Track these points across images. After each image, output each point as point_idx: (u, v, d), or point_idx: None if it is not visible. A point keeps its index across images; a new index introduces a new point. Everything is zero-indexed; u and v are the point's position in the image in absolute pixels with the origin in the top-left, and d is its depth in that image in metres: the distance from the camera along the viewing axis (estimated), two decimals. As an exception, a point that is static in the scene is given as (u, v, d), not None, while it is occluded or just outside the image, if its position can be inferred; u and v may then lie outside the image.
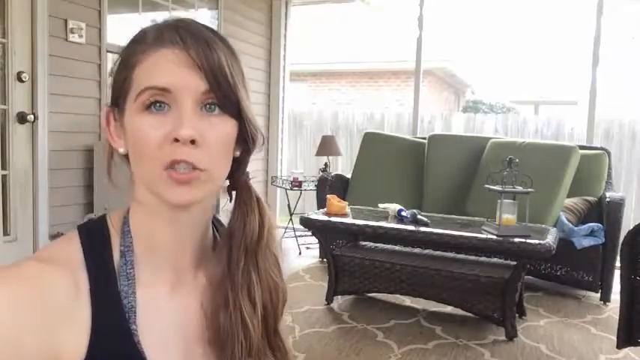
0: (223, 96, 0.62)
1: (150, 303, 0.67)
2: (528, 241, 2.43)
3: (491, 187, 2.62)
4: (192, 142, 0.60)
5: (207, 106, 0.62)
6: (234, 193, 0.74)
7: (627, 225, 2.80)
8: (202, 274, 0.72)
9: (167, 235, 0.67)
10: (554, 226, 3.12)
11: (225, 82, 0.62)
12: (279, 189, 5.10)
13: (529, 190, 2.56)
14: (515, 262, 2.62)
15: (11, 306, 0.56)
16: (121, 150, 0.69)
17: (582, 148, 3.53)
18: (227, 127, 0.64)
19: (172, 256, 0.69)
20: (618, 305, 2.00)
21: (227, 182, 0.73)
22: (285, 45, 5.28)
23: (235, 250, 0.70)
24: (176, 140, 0.60)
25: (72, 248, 0.65)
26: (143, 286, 0.66)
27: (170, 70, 0.61)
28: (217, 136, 0.63)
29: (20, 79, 2.95)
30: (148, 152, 0.62)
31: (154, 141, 0.61)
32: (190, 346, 0.70)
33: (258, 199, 0.73)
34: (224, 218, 0.77)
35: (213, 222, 0.75)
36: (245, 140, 0.68)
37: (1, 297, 0.56)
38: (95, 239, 0.67)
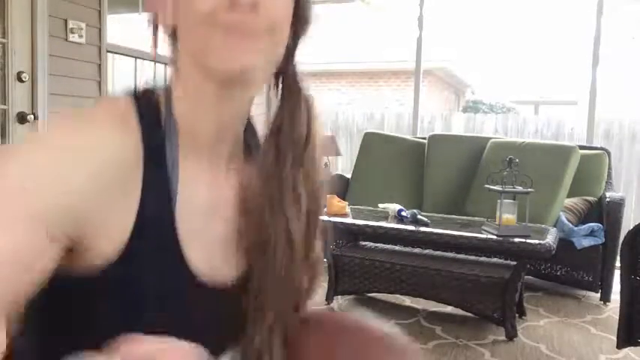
0: None
1: (191, 193, 0.63)
2: (528, 241, 2.43)
3: (491, 187, 2.62)
4: (254, 6, 0.55)
5: None
6: (281, 86, 0.70)
7: (627, 225, 2.80)
8: (235, 171, 0.69)
9: (210, 124, 0.64)
10: (554, 226, 3.11)
11: None
12: (279, 189, 5.10)
13: (529, 190, 2.56)
14: (515, 262, 2.62)
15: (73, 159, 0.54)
16: (168, 21, 0.62)
17: (582, 148, 3.53)
18: None
19: (212, 148, 0.66)
20: (618, 305, 2.00)
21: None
22: (285, 45, 5.27)
23: (283, 146, 0.67)
24: (233, 6, 0.55)
25: (131, 122, 0.60)
26: (185, 175, 0.62)
27: None
28: (279, 3, 0.58)
29: (20, 79, 2.95)
30: (200, 16, 0.56)
31: (208, 3, 0.55)
32: (228, 246, 0.67)
33: (307, 97, 0.70)
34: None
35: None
36: (296, 22, 0.63)
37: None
38: (150, 116, 0.62)
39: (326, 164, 4.69)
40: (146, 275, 0.60)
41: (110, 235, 0.57)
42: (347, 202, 3.11)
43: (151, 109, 0.63)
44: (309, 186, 0.69)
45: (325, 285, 3.02)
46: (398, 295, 3.00)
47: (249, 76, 0.60)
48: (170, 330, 0.51)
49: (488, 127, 5.02)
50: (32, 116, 3.00)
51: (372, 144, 4.07)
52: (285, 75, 0.70)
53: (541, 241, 2.41)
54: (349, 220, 2.93)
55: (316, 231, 0.74)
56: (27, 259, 0.51)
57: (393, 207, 2.96)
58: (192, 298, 0.64)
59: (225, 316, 0.67)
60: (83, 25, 3.28)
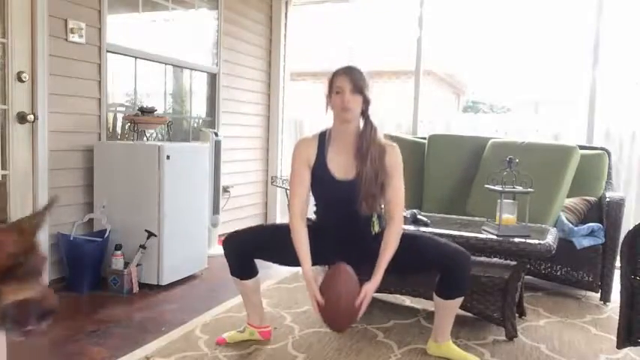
0: (357, 90, 2.15)
1: (331, 153, 2.24)
2: (528, 241, 2.43)
3: (491, 187, 2.62)
4: (348, 108, 2.15)
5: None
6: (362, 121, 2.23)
7: (627, 225, 2.80)
8: (353, 146, 2.22)
9: (340, 134, 2.23)
10: (554, 226, 3.11)
11: (359, 85, 2.16)
12: (279, 189, 5.10)
13: (529, 190, 2.56)
14: (515, 262, 2.62)
15: (298, 148, 2.29)
16: (329, 108, 2.22)
17: (582, 148, 3.53)
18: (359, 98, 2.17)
19: (342, 142, 2.23)
20: (618, 305, 2.00)
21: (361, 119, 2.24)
22: (285, 45, 5.28)
23: (365, 140, 2.18)
24: (343, 109, 2.16)
25: (312, 136, 2.31)
26: (331, 149, 2.25)
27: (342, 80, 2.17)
28: (356, 104, 2.16)
29: (20, 79, 2.95)
30: (336, 108, 2.18)
31: (337, 106, 2.17)
32: (348, 166, 2.20)
33: (372, 123, 2.23)
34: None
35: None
36: (364, 102, 2.19)
37: (297, 145, 2.31)
38: (322, 134, 2.29)
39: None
40: (317, 172, 2.24)
41: (312, 165, 2.25)
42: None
43: (323, 134, 2.29)
44: (375, 155, 2.18)
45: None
46: (398, 295, 3.00)
47: (350, 120, 2.19)
48: (327, 197, 2.27)
49: (489, 127, 5.01)
50: (32, 116, 3.00)
51: (372, 144, 4.06)
52: (364, 116, 2.23)
53: (541, 241, 2.41)
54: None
55: (379, 176, 2.19)
56: (305, 176, 2.25)
57: (393, 207, 2.95)
58: (334, 185, 2.22)
59: (349, 194, 2.16)
60: (83, 25, 3.28)
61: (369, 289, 2.10)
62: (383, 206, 2.26)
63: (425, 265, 2.27)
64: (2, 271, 0.94)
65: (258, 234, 2.41)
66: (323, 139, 2.26)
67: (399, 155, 2.25)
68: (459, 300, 2.25)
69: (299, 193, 2.25)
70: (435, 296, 2.28)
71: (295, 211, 2.22)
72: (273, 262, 2.46)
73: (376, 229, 2.28)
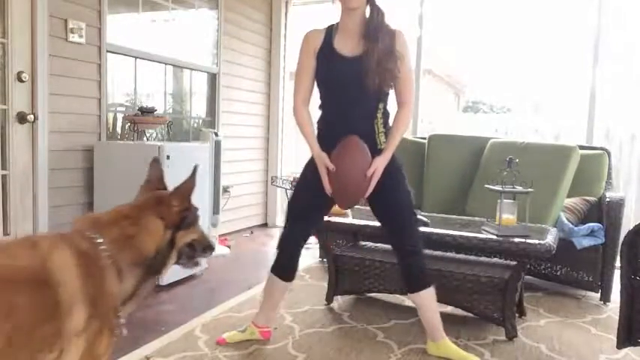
0: None
1: (339, 37, 2.23)
2: (528, 241, 2.43)
3: (491, 187, 2.62)
4: None
5: None
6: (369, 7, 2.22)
7: (627, 225, 2.80)
8: (359, 29, 2.21)
9: (346, 23, 2.22)
10: (554, 226, 3.11)
11: None
12: (279, 189, 5.10)
13: (529, 190, 2.56)
14: (515, 262, 2.62)
15: (305, 38, 2.31)
16: None
17: (582, 148, 3.53)
18: None
19: (348, 28, 2.22)
20: (618, 305, 2.00)
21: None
22: (285, 45, 5.28)
23: (373, 24, 2.18)
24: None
25: (320, 28, 2.30)
26: (338, 34, 2.25)
27: None
28: None
29: (20, 79, 2.95)
30: None
31: None
32: (355, 45, 2.21)
33: (379, 8, 2.19)
34: None
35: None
36: None
37: (305, 35, 2.31)
38: (329, 26, 2.28)
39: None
40: (323, 54, 2.24)
41: (317, 50, 2.25)
42: (347, 202, 3.11)
43: (330, 26, 2.27)
44: (385, 36, 2.17)
45: (325, 285, 3.03)
46: (398, 295, 3.00)
47: (355, 7, 2.16)
48: (333, 76, 2.24)
49: (489, 127, 5.01)
50: (32, 116, 3.00)
51: (372, 144, 4.06)
52: (370, 2, 2.19)
53: (541, 241, 2.41)
54: (349, 220, 2.93)
55: (392, 52, 2.17)
56: (310, 66, 2.27)
57: (393, 207, 2.95)
58: (339, 63, 2.21)
59: (356, 71, 2.14)
60: (83, 25, 3.28)
61: (380, 162, 2.16)
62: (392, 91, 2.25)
63: (394, 223, 2.30)
64: (175, 225, 1.41)
65: (301, 217, 2.37)
66: (330, 29, 2.27)
67: (407, 41, 2.27)
68: (430, 292, 2.29)
69: (303, 80, 2.27)
70: (409, 295, 2.35)
71: (298, 98, 2.27)
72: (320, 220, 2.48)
73: (381, 138, 2.24)
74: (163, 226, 1.39)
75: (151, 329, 2.58)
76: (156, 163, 1.58)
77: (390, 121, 2.29)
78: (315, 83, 2.29)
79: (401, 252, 2.29)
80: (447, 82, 11.34)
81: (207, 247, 1.53)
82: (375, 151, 2.21)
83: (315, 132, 2.33)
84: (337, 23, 2.27)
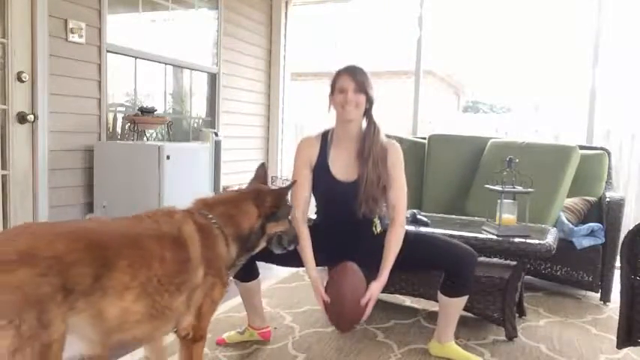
0: (361, 89, 2.14)
1: (334, 154, 2.24)
2: (528, 241, 2.43)
3: (491, 187, 2.62)
4: (350, 105, 2.13)
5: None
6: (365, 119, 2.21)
7: (627, 225, 2.80)
8: (354, 147, 2.21)
9: (342, 135, 2.23)
10: (554, 226, 3.11)
11: (362, 84, 2.14)
12: (279, 189, 5.09)
13: (529, 190, 2.56)
14: (515, 262, 2.62)
15: (300, 148, 2.28)
16: (332, 107, 2.21)
17: (582, 148, 3.53)
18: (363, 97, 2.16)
19: (344, 142, 2.22)
20: (618, 305, 2.00)
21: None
22: (285, 45, 5.28)
23: (368, 140, 2.17)
24: (343, 106, 2.16)
25: (315, 136, 2.30)
26: (333, 150, 2.25)
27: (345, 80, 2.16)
28: (361, 101, 2.15)
29: (20, 79, 2.96)
30: (337, 106, 2.17)
31: (339, 104, 2.16)
32: (349, 168, 2.19)
33: (375, 122, 2.20)
34: None
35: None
36: (367, 101, 2.17)
37: (300, 145, 2.29)
38: (324, 134, 2.28)
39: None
40: (318, 172, 2.23)
41: (313, 165, 2.24)
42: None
43: (325, 134, 2.29)
44: (377, 156, 2.16)
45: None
46: (398, 295, 3.00)
47: (352, 120, 2.18)
48: (328, 198, 2.27)
49: (488, 127, 5.02)
50: (32, 116, 3.00)
51: (372, 144, 4.06)
52: (367, 115, 2.21)
53: (541, 241, 2.41)
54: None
55: (381, 179, 2.17)
56: (307, 178, 2.25)
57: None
58: (335, 186, 2.22)
59: (350, 196, 2.15)
60: (83, 25, 3.28)
61: (375, 288, 2.11)
62: (385, 206, 2.26)
63: (433, 265, 2.29)
64: (266, 215, 1.80)
65: None
66: (325, 139, 2.27)
67: (401, 153, 2.25)
68: (464, 298, 2.25)
69: (300, 197, 2.25)
70: (439, 294, 2.27)
71: (298, 212, 2.21)
72: (275, 264, 2.45)
73: (378, 229, 2.28)
74: (257, 214, 1.78)
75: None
76: (262, 166, 2.05)
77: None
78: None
79: (456, 262, 2.19)
80: (447, 82, 11.34)
81: (293, 240, 1.97)
82: (372, 239, 2.23)
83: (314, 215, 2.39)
84: (332, 131, 2.27)
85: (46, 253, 1.21)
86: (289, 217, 1.94)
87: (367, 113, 2.20)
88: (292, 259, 2.18)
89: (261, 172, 2.02)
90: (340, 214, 2.25)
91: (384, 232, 2.24)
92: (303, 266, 2.24)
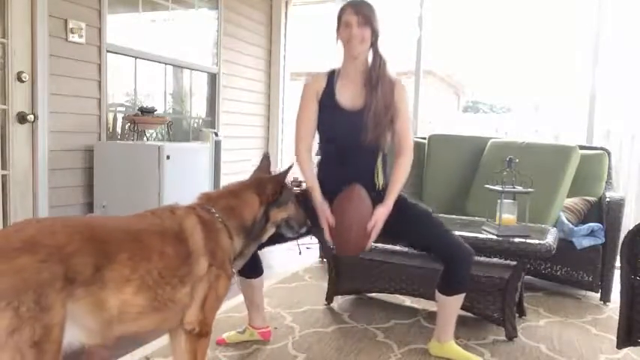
0: (365, 22, 2.17)
1: (341, 84, 2.26)
2: (528, 241, 2.43)
3: (491, 187, 2.62)
4: (356, 40, 2.18)
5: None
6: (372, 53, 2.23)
7: (627, 225, 2.80)
8: (362, 77, 2.24)
9: (349, 67, 2.24)
10: (554, 226, 3.11)
11: (367, 18, 2.18)
12: (279, 189, 5.09)
13: (529, 190, 2.56)
14: (515, 262, 2.62)
15: (307, 83, 2.31)
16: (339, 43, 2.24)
17: (582, 148, 3.53)
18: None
19: (351, 74, 2.25)
20: (618, 305, 2.00)
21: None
22: (285, 45, 5.28)
23: (375, 70, 2.20)
24: (349, 41, 2.20)
25: (323, 73, 2.34)
26: (340, 81, 2.27)
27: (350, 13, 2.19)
28: (366, 35, 2.18)
29: (20, 79, 2.96)
30: (344, 40, 2.21)
31: (344, 38, 2.20)
32: (355, 96, 2.23)
33: (382, 55, 2.23)
34: None
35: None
36: (373, 35, 2.19)
37: (307, 80, 2.32)
38: (332, 71, 2.32)
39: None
40: (325, 102, 2.26)
41: (319, 97, 2.28)
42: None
43: (332, 71, 2.31)
44: (385, 87, 2.19)
45: (325, 285, 3.03)
46: (398, 295, 3.00)
47: (358, 55, 2.19)
48: (333, 128, 2.26)
49: (488, 127, 5.02)
50: (32, 116, 3.00)
51: (372, 144, 4.06)
52: (373, 49, 2.21)
53: (541, 241, 2.41)
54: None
55: (389, 109, 2.20)
56: (312, 111, 2.28)
57: (393, 207, 2.95)
58: (342, 116, 2.23)
59: (356, 125, 2.16)
60: (83, 25, 3.28)
61: (381, 213, 2.12)
62: (391, 137, 2.25)
63: (428, 248, 2.28)
64: (268, 202, 1.80)
65: None
66: (332, 74, 2.28)
67: (406, 90, 2.29)
68: (461, 297, 2.25)
69: (305, 129, 2.26)
70: (437, 293, 2.28)
71: (301, 146, 2.26)
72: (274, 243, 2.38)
73: (380, 182, 2.25)
74: (259, 202, 1.79)
75: (147, 334, 2.57)
76: (266, 157, 2.06)
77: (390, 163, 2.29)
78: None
79: (442, 261, 2.21)
80: (447, 82, 11.33)
81: (303, 223, 1.95)
82: (373, 192, 2.20)
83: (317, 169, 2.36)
84: (339, 69, 2.28)
85: (48, 242, 1.26)
86: (292, 200, 1.92)
87: (373, 46, 2.20)
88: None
89: (266, 162, 2.03)
90: (344, 145, 2.22)
91: (384, 189, 2.23)
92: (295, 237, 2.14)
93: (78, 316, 1.31)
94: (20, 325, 1.16)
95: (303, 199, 2.20)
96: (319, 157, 2.38)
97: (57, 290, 1.22)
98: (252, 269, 2.34)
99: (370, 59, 2.23)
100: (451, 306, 2.27)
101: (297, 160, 2.28)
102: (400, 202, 2.23)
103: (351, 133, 2.18)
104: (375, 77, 2.18)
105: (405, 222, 2.20)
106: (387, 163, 2.30)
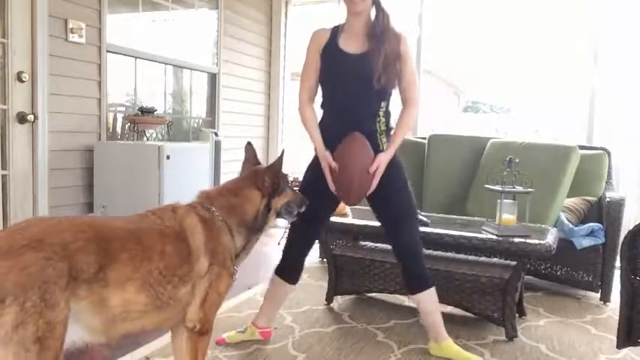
0: None
1: (344, 37, 2.22)
2: (528, 241, 2.43)
3: (491, 187, 2.62)
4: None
5: None
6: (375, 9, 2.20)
7: (627, 225, 2.81)
8: (366, 28, 2.21)
9: (352, 23, 2.21)
10: (554, 226, 3.11)
11: None
12: (279, 189, 5.09)
13: (529, 190, 2.56)
14: (515, 262, 2.62)
15: (311, 37, 2.29)
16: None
17: (582, 148, 3.53)
18: None
19: (355, 29, 2.21)
20: (618, 305, 2.00)
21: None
22: (285, 45, 5.28)
23: (379, 25, 2.17)
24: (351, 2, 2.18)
25: (327, 28, 2.29)
26: (343, 34, 2.23)
27: None
28: None
29: (20, 79, 2.96)
30: None
31: None
32: (360, 43, 2.19)
33: (384, 9, 2.19)
34: None
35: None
36: None
37: (312, 34, 2.30)
38: (336, 26, 2.27)
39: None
40: (327, 51, 2.23)
41: (323, 45, 2.25)
42: (347, 202, 3.11)
43: (336, 26, 2.26)
44: (391, 37, 2.17)
45: (325, 285, 3.03)
46: (398, 295, 3.00)
47: (361, 11, 2.17)
48: (336, 72, 2.21)
49: (488, 127, 5.02)
50: (32, 116, 3.00)
51: (372, 144, 4.06)
52: (375, 3, 2.18)
53: (541, 241, 2.41)
54: (349, 220, 2.93)
55: (398, 58, 2.20)
56: (315, 61, 2.25)
57: (393, 207, 2.95)
58: (343, 59, 2.19)
59: (360, 68, 2.15)
60: (83, 25, 3.28)
61: (383, 158, 2.16)
62: (398, 91, 2.27)
63: (388, 234, 2.31)
64: (269, 193, 1.83)
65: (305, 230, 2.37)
66: (336, 29, 2.27)
67: (410, 43, 2.30)
68: (430, 293, 2.28)
69: (308, 78, 2.27)
70: (410, 297, 2.36)
71: (304, 95, 2.28)
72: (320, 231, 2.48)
73: (384, 144, 2.23)
74: (260, 196, 1.81)
75: (149, 331, 2.57)
76: (250, 145, 2.02)
77: (393, 121, 2.29)
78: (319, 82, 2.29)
79: (399, 252, 2.29)
80: (447, 82, 11.33)
81: (302, 202, 1.99)
82: (377, 152, 2.20)
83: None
84: (343, 24, 2.27)
85: (54, 240, 1.28)
86: (289, 184, 1.95)
87: (375, 2, 2.20)
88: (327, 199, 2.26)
89: (251, 152, 2.02)
90: (347, 95, 2.21)
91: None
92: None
93: (81, 315, 1.33)
94: (25, 321, 1.18)
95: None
96: (322, 114, 2.34)
97: (61, 288, 1.24)
98: (293, 274, 2.39)
99: (373, 15, 2.23)
100: (426, 304, 2.30)
101: (300, 112, 2.29)
102: (396, 166, 2.25)
103: (356, 76, 2.17)
104: (380, 29, 2.17)
105: (386, 187, 2.22)
106: (390, 122, 2.28)
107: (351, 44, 2.21)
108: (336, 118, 2.26)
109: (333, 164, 2.16)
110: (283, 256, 2.39)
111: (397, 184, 2.25)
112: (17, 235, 1.28)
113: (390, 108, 2.28)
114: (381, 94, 2.20)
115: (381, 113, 2.23)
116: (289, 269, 2.38)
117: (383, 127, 2.24)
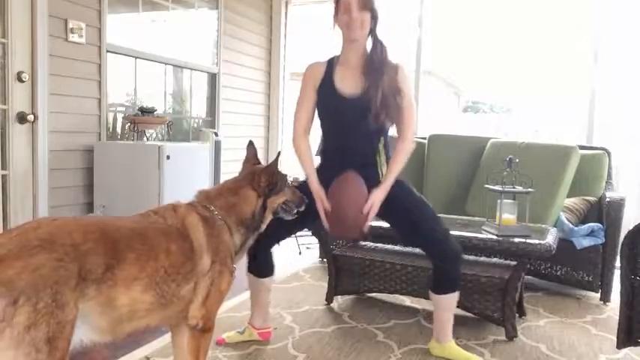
0: (365, 6, 2.13)
1: (339, 72, 2.22)
2: (528, 241, 2.43)
3: (491, 187, 2.62)
4: (355, 25, 2.14)
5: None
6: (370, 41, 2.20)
7: (627, 225, 2.80)
8: (361, 63, 2.21)
9: (347, 56, 2.22)
10: (554, 226, 3.11)
11: (366, 1, 2.13)
12: (279, 189, 5.09)
13: (529, 190, 2.56)
14: (515, 262, 2.62)
15: (306, 71, 2.32)
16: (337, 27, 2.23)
17: (582, 148, 3.53)
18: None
19: (350, 62, 2.21)
20: (618, 305, 2.00)
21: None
22: (285, 45, 5.28)
23: (376, 58, 2.17)
24: (348, 27, 2.16)
25: (322, 61, 2.30)
26: (339, 68, 2.23)
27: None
28: (365, 19, 2.13)
29: (20, 79, 2.96)
30: (342, 26, 2.16)
31: (343, 24, 2.15)
32: (356, 83, 2.18)
33: (381, 41, 2.19)
34: None
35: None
36: (372, 19, 2.15)
37: (307, 68, 2.31)
38: (331, 58, 2.27)
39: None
40: (324, 90, 2.23)
41: (318, 85, 2.26)
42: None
43: (331, 58, 2.26)
44: (389, 71, 2.16)
45: (325, 285, 3.03)
46: (398, 295, 3.00)
47: (357, 39, 2.15)
48: (333, 115, 2.25)
49: (488, 127, 5.02)
50: (32, 116, 3.00)
51: (372, 144, 4.06)
52: (372, 35, 2.17)
53: (541, 241, 2.41)
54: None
55: (398, 93, 2.16)
56: (310, 95, 2.28)
57: (393, 207, 2.95)
58: (339, 102, 2.19)
59: (356, 111, 2.15)
60: (83, 25, 3.28)
61: (376, 196, 2.13)
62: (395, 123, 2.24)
63: (416, 238, 2.27)
64: (265, 194, 1.87)
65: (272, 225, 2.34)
66: (332, 61, 2.27)
67: (407, 74, 2.27)
68: (453, 296, 2.25)
69: (304, 111, 2.28)
70: (430, 293, 2.30)
71: (299, 128, 2.29)
72: (288, 236, 2.43)
73: (383, 171, 2.23)
74: (256, 196, 1.86)
75: (151, 329, 2.57)
76: (251, 145, 2.09)
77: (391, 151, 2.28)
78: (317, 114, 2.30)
79: (428, 255, 2.24)
80: (447, 82, 11.34)
81: (302, 201, 2.02)
82: (378, 184, 2.18)
83: (319, 161, 2.36)
84: (338, 56, 2.26)
85: (65, 241, 1.30)
86: (286, 183, 1.98)
87: (372, 33, 2.18)
88: (301, 222, 2.16)
89: (252, 151, 2.07)
90: (345, 134, 2.20)
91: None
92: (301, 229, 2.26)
93: (88, 315, 1.34)
94: (37, 321, 1.19)
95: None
96: (321, 145, 2.38)
97: (71, 288, 1.26)
98: (265, 268, 2.36)
99: (369, 46, 2.21)
100: (445, 305, 2.27)
101: (295, 145, 2.30)
102: (397, 187, 2.20)
103: (353, 118, 2.17)
104: (378, 62, 2.15)
105: (395, 211, 2.20)
106: (389, 152, 2.28)
107: (348, 82, 2.19)
108: (335, 151, 2.29)
109: (327, 205, 2.13)
110: (253, 255, 2.34)
111: (406, 202, 2.21)
112: (29, 234, 1.29)
113: (389, 137, 2.27)
114: (380, 130, 2.21)
115: (380, 147, 2.24)
116: (259, 267, 2.34)
117: (383, 159, 2.25)
